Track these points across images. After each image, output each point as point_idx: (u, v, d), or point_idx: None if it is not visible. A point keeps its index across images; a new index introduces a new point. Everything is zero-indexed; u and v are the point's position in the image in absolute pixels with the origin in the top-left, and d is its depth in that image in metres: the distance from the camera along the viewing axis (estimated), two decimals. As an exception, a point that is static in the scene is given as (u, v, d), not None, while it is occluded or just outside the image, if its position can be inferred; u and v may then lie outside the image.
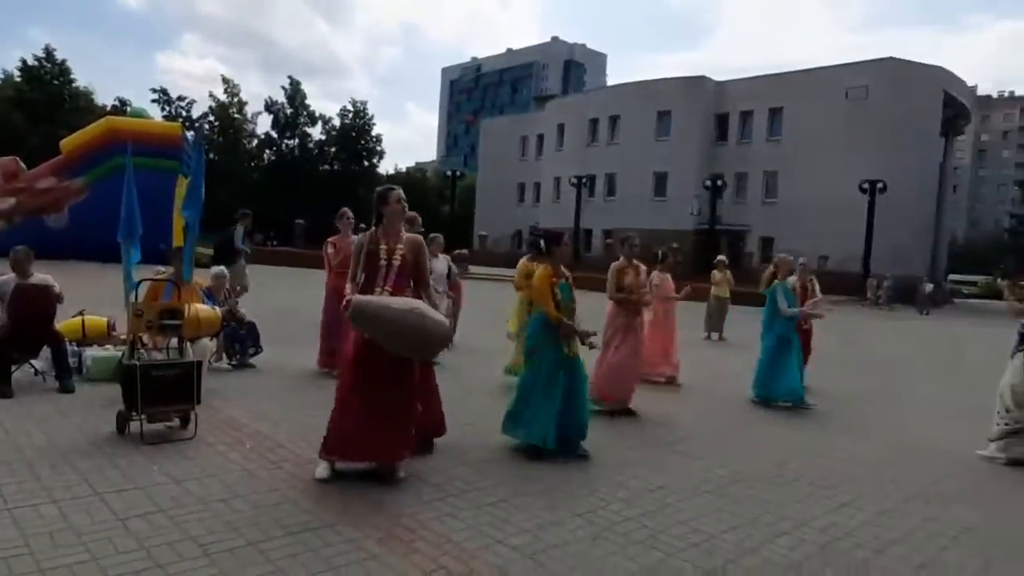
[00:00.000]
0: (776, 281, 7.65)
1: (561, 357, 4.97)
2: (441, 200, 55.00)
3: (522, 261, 7.66)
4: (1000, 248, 76.79)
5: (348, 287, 4.24)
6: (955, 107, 41.76)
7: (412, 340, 4.05)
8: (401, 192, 4.38)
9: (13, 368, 5.82)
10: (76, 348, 6.42)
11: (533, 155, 57.31)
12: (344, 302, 4.04)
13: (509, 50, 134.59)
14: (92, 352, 6.43)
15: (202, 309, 6.08)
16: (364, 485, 4.12)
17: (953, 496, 4.74)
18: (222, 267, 7.70)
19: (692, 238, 40.26)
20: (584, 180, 43.81)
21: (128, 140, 24.24)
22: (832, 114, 38.67)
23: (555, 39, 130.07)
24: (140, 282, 5.15)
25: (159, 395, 4.68)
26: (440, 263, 8.47)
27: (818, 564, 3.49)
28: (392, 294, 4.16)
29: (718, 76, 45.57)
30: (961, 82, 42.97)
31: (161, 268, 6.74)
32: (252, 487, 4.00)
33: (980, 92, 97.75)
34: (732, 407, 7.32)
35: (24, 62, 39.30)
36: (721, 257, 14.88)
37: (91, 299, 8.24)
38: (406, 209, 4.41)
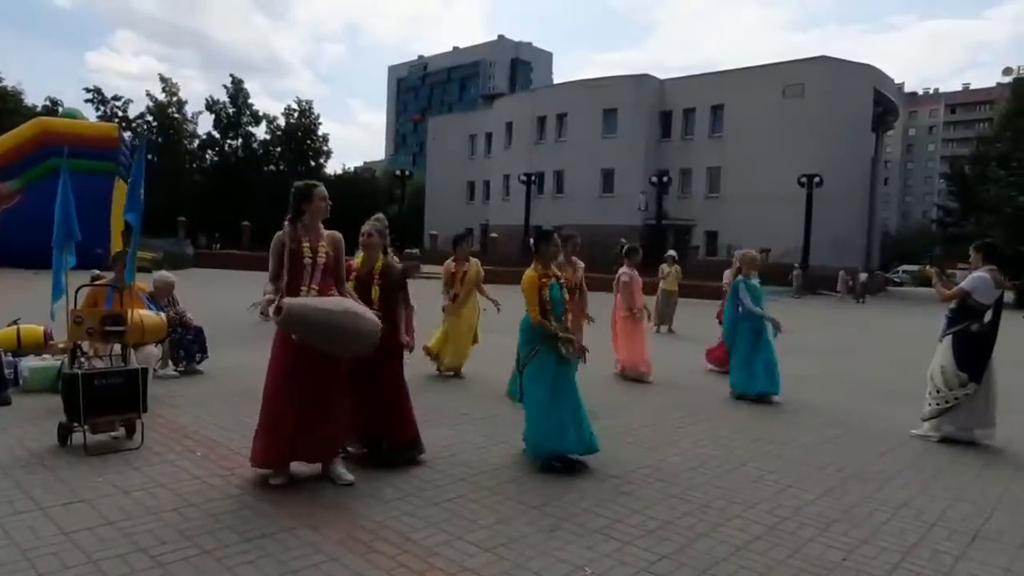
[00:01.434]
0: (740, 276, 7.75)
1: (555, 356, 4.75)
2: (391, 200, 54.48)
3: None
4: (929, 238, 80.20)
5: (269, 288, 4.00)
6: (884, 103, 43.49)
7: (345, 340, 3.99)
8: (324, 190, 4.23)
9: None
10: (11, 358, 6.16)
11: (482, 153, 57.31)
12: (272, 306, 3.85)
13: (456, 48, 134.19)
14: (29, 362, 6.17)
15: (146, 315, 5.91)
16: (321, 488, 4.10)
17: (891, 474, 4.98)
18: (165, 272, 7.49)
19: (640, 233, 40.92)
20: (533, 177, 44.06)
21: (61, 142, 23.44)
22: (770, 111, 39.84)
23: (501, 38, 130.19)
24: (79, 288, 4.98)
25: (102, 404, 4.54)
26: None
27: (767, 543, 3.62)
28: (319, 294, 4.07)
29: (661, 74, 46.58)
30: (889, 79, 44.78)
31: (98, 272, 6.51)
32: (205, 495, 3.93)
33: (906, 89, 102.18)
34: (688, 398, 7.49)
35: None
36: (671, 252, 15.18)
37: (26, 307, 7.93)
38: (329, 207, 4.23)
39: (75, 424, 4.52)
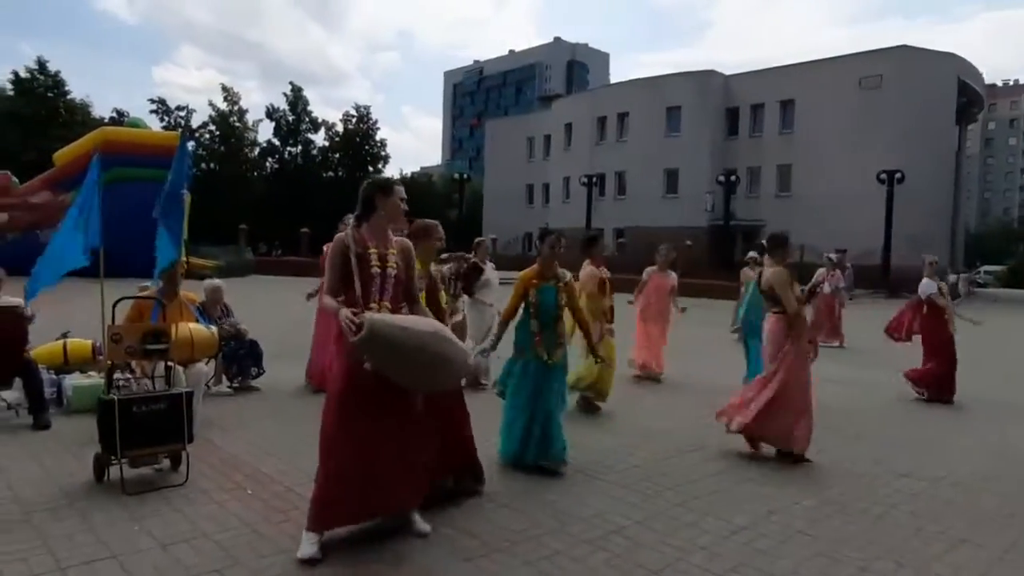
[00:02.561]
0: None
1: (540, 362, 4.69)
2: (448, 205, 54.23)
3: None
4: (1011, 236, 75.26)
5: (330, 302, 3.28)
6: (968, 94, 40.78)
7: (432, 371, 3.21)
8: (404, 191, 3.49)
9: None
10: (55, 376, 5.70)
11: (541, 156, 56.48)
12: (348, 322, 3.04)
13: (511, 52, 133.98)
14: (73, 380, 5.70)
15: (196, 329, 5.35)
16: (384, 538, 3.40)
17: None
18: (217, 280, 6.96)
19: (706, 234, 39.45)
20: (594, 179, 42.95)
21: (124, 151, 23.72)
22: (845, 105, 37.78)
23: (557, 40, 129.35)
24: (119, 301, 4.42)
25: (143, 434, 3.96)
26: (492, 271, 7.70)
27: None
28: (390, 312, 3.30)
29: (722, 71, 44.74)
30: (974, 68, 42.02)
31: (146, 284, 5.98)
32: (255, 548, 3.29)
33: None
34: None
35: (16, 75, 37.97)
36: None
37: (79, 320, 7.55)
38: (405, 213, 3.51)
39: (112, 457, 3.94)
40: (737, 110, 43.54)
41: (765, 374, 5.18)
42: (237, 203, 41.95)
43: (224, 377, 6.57)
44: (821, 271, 9.49)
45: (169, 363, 4.30)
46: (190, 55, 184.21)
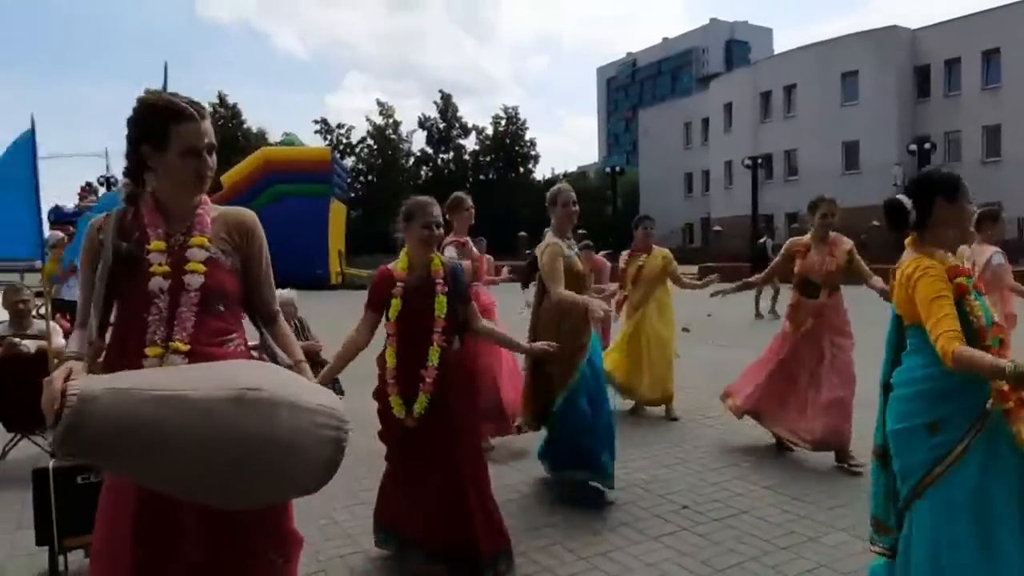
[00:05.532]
0: None
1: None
2: (604, 201, 52.76)
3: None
4: None
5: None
6: None
7: (240, 476, 1.71)
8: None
9: (7, 447, 4.41)
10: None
11: (699, 141, 53.19)
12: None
13: (665, 39, 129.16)
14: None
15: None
16: None
17: None
18: (288, 292, 5.98)
19: (896, 213, 34.64)
20: (759, 161, 39.30)
21: (281, 168, 24.73)
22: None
23: (713, 20, 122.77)
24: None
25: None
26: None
27: None
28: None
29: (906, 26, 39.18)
30: None
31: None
32: None
33: None
34: None
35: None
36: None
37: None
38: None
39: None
40: (927, 68, 38.00)
41: None
42: (395, 213, 43.20)
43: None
44: None
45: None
46: (357, 80, 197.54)
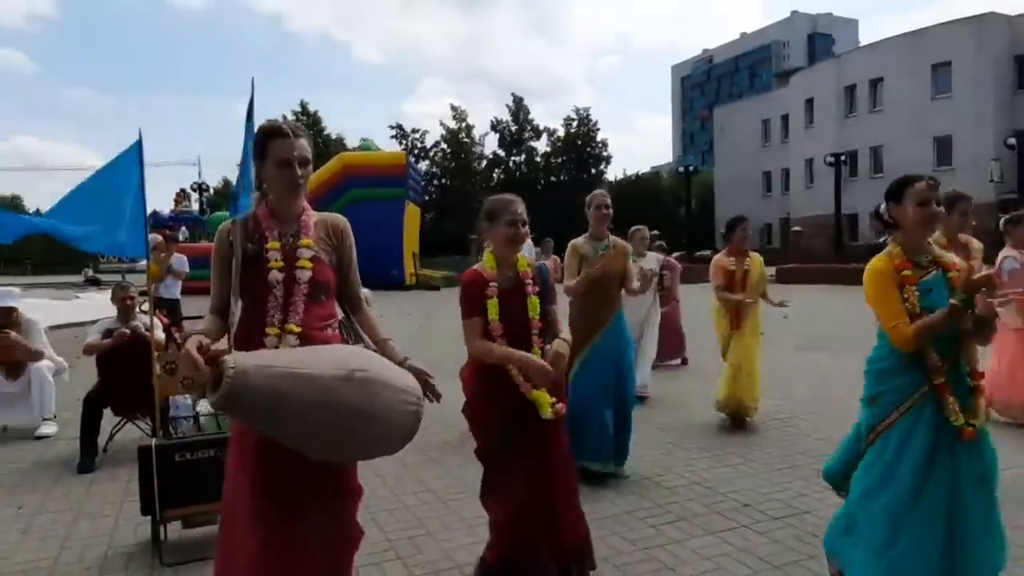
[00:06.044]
0: None
1: None
2: (678, 201, 51.92)
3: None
4: None
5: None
6: None
7: (338, 437, 2.16)
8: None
9: (114, 429, 4.85)
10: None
11: (778, 139, 51.59)
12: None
13: (742, 35, 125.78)
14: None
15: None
16: None
17: None
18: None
19: (994, 211, 32.62)
20: (843, 158, 37.80)
21: (358, 173, 25.50)
22: None
23: (795, 13, 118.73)
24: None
25: (187, 488, 3.19)
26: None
27: None
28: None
29: (1006, 12, 36.85)
30: None
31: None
32: None
33: None
34: None
35: (284, 117, 44.16)
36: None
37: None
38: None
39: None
40: (1030, 56, 35.70)
41: None
42: (469, 216, 44.02)
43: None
44: None
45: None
46: (431, 86, 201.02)
